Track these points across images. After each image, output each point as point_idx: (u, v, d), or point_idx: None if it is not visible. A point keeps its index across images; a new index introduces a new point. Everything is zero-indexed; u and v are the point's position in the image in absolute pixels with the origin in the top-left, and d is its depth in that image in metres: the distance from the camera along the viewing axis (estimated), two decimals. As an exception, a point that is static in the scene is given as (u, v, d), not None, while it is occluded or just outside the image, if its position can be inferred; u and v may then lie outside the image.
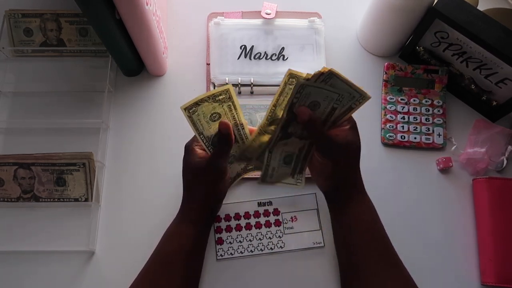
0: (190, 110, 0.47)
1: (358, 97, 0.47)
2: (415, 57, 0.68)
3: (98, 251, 0.57)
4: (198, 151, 0.51)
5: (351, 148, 0.49)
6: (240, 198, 0.60)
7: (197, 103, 0.47)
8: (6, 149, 0.62)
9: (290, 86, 0.47)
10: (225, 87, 0.48)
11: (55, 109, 0.64)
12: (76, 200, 0.58)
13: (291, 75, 0.47)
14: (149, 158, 0.62)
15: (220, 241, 0.58)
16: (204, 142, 0.50)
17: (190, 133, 0.63)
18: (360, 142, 0.50)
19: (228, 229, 0.58)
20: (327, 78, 0.45)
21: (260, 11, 0.68)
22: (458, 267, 0.58)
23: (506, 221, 0.57)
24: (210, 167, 0.50)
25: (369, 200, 0.52)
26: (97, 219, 0.59)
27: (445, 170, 0.62)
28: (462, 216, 0.60)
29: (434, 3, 0.58)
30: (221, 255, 0.57)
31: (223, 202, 0.58)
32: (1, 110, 0.64)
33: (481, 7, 0.62)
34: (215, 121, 0.50)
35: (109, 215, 0.59)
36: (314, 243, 0.58)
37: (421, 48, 0.66)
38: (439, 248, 0.59)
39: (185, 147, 0.52)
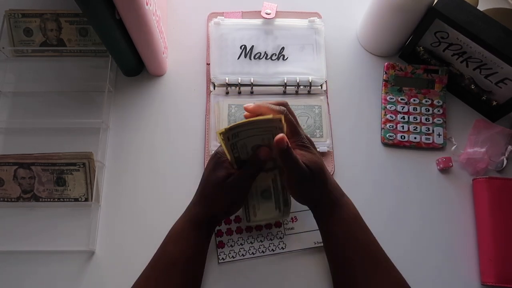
0: (231, 135, 0.46)
1: (277, 122, 0.47)
2: (415, 57, 0.68)
3: (98, 251, 0.57)
4: (228, 165, 0.50)
5: (308, 175, 0.48)
6: None
7: (240, 131, 0.47)
8: (6, 149, 0.62)
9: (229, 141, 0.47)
10: (278, 117, 0.47)
11: (55, 109, 0.64)
12: (76, 200, 0.58)
13: (221, 134, 0.46)
14: (149, 158, 0.62)
15: (221, 245, 0.58)
16: (235, 161, 0.49)
17: (189, 133, 0.64)
18: (317, 164, 0.49)
19: (229, 232, 0.58)
20: (244, 123, 0.46)
21: (260, 11, 0.68)
22: (458, 267, 0.58)
23: (506, 221, 0.57)
24: (237, 185, 0.49)
25: (348, 206, 0.51)
26: (97, 219, 0.59)
27: (445, 170, 0.62)
28: (462, 216, 0.60)
29: (434, 3, 0.58)
30: (222, 258, 0.57)
31: None
32: (1, 110, 0.64)
33: (481, 7, 0.62)
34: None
35: (109, 215, 0.59)
36: (315, 243, 0.58)
37: (421, 48, 0.66)
38: (439, 248, 0.59)
39: (215, 155, 0.50)
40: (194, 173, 0.61)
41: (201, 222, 0.51)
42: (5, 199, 0.58)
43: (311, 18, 0.68)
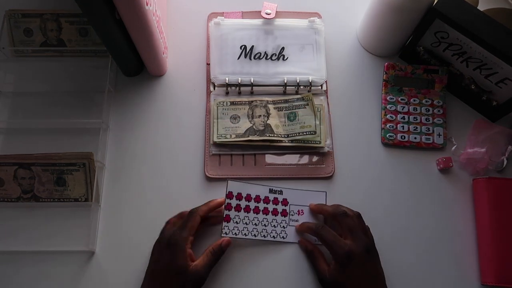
0: None
1: None
2: (415, 57, 0.68)
3: (98, 251, 0.57)
4: (190, 251, 0.51)
5: None
6: (256, 180, 0.60)
7: None
8: (6, 149, 0.62)
9: None
10: None
11: (55, 109, 0.64)
12: (76, 200, 0.58)
13: None
14: (149, 158, 0.62)
15: (227, 218, 0.57)
16: None
17: (189, 133, 0.64)
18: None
19: (238, 208, 0.58)
20: None
21: (260, 11, 0.68)
22: (458, 267, 0.58)
23: (506, 221, 0.57)
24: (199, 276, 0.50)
25: None
26: (97, 219, 0.59)
27: (445, 170, 0.62)
28: (462, 216, 0.60)
29: (434, 3, 0.58)
30: (225, 232, 0.57)
31: (240, 180, 0.59)
32: (1, 110, 0.64)
33: (481, 7, 0.62)
34: None
35: (109, 215, 0.59)
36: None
37: (421, 48, 0.66)
38: (439, 248, 0.59)
39: (173, 243, 0.51)
40: (194, 173, 0.61)
41: None
42: (5, 199, 0.58)
43: (311, 18, 0.68)
